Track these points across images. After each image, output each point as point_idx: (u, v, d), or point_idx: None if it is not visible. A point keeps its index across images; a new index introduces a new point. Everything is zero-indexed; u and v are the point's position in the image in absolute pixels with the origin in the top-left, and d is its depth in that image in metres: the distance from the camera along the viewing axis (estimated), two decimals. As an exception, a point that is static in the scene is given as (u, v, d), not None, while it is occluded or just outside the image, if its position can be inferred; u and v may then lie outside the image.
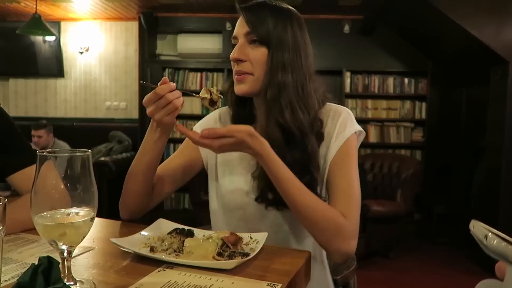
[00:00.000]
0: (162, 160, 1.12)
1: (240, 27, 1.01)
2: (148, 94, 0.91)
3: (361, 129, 1.04)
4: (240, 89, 1.02)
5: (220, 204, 1.13)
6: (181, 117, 4.86)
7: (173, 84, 0.90)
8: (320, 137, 1.02)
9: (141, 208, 1.08)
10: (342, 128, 1.02)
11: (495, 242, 0.33)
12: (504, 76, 3.43)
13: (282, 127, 0.97)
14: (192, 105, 4.87)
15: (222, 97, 0.99)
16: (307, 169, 0.97)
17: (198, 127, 1.18)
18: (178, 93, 0.91)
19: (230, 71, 1.05)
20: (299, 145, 0.98)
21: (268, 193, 1.00)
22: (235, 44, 1.02)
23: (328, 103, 1.08)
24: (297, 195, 0.91)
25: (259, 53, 0.99)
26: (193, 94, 1.00)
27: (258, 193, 1.03)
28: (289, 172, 0.91)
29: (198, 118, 4.79)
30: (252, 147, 0.88)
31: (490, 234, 0.34)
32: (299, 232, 1.04)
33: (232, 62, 1.03)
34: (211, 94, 0.97)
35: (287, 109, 0.97)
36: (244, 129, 0.88)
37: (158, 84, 0.90)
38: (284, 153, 0.95)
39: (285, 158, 0.93)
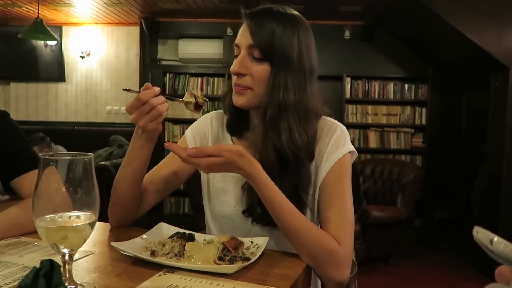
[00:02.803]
0: (153, 165, 1.10)
1: (244, 37, 0.95)
2: (131, 100, 0.88)
3: (354, 149, 1.00)
4: (238, 101, 0.98)
5: (210, 211, 1.11)
6: (180, 121, 4.89)
7: (157, 89, 0.87)
8: (310, 155, 0.97)
9: (129, 216, 1.05)
10: (335, 147, 0.97)
11: (501, 246, 0.33)
12: (505, 82, 3.43)
13: (278, 150, 0.92)
14: (179, 109, 4.87)
15: (207, 100, 0.97)
16: (297, 194, 0.94)
17: (190, 131, 1.14)
18: (162, 98, 0.88)
19: (231, 76, 1.01)
20: (293, 170, 0.94)
21: (256, 207, 0.96)
22: (237, 52, 0.97)
23: (323, 117, 1.03)
24: (289, 219, 0.87)
25: (261, 69, 0.94)
26: (178, 99, 0.96)
27: (245, 207, 1.00)
28: (281, 194, 0.88)
29: (186, 122, 4.83)
30: (243, 167, 0.85)
31: (496, 238, 0.34)
32: (286, 251, 0.99)
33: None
34: (196, 98, 0.94)
35: (285, 132, 0.92)
36: (233, 149, 0.85)
37: (141, 89, 0.87)
38: (277, 176, 0.91)
39: (276, 181, 0.90)
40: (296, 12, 0.99)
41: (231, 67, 0.96)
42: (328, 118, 1.04)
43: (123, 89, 0.95)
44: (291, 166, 0.93)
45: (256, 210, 0.96)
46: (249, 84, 0.95)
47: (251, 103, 0.97)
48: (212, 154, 0.83)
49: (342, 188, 0.96)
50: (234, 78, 0.98)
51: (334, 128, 1.00)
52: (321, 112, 1.02)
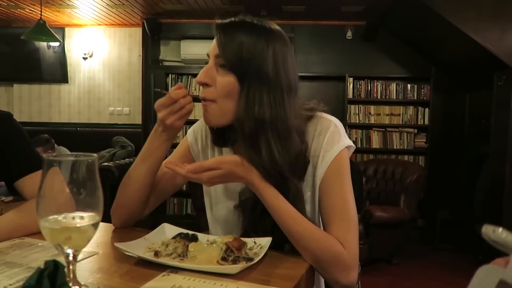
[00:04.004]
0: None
1: (213, 47, 0.92)
2: (161, 99, 0.91)
3: (351, 143, 0.96)
4: (205, 119, 0.95)
5: (212, 215, 1.11)
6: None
7: (186, 91, 0.91)
8: (297, 173, 0.93)
9: (134, 217, 1.05)
10: (330, 145, 0.93)
11: (503, 235, 0.35)
12: (508, 82, 3.43)
13: (262, 167, 0.89)
14: (194, 110, 4.90)
15: None
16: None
17: (191, 132, 1.14)
18: (189, 98, 0.92)
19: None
20: (279, 188, 0.90)
21: (251, 233, 0.95)
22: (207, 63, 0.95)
23: (316, 113, 0.99)
24: (291, 223, 0.87)
25: (226, 81, 0.90)
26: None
27: (241, 231, 0.99)
28: (282, 199, 0.88)
29: (188, 122, 4.85)
30: (243, 176, 0.87)
31: (499, 229, 0.36)
32: None
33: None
34: None
35: (265, 151, 0.88)
36: (231, 159, 0.87)
37: (171, 89, 0.91)
38: None
39: None
40: (274, 26, 0.95)
41: (197, 77, 0.94)
42: (321, 114, 1.00)
43: (155, 90, 0.98)
44: (277, 185, 0.90)
45: (251, 236, 0.94)
46: (213, 97, 0.91)
47: (218, 120, 0.94)
48: (211, 167, 0.85)
49: (342, 186, 0.93)
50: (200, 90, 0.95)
51: (327, 125, 0.96)
52: (310, 111, 0.99)
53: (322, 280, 1.05)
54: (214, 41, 0.92)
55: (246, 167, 0.87)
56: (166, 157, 1.04)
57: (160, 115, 0.91)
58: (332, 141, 0.94)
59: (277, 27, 0.95)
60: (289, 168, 0.90)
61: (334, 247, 0.87)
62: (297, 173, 0.93)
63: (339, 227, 0.90)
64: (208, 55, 0.94)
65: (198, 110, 4.90)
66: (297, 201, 0.91)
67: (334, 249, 0.86)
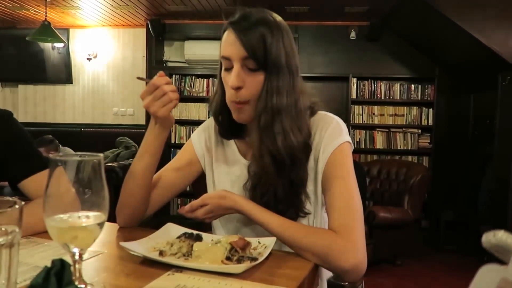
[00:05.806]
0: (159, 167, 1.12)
1: (235, 49, 0.92)
2: (145, 88, 0.94)
3: (350, 141, 0.99)
4: (241, 118, 0.98)
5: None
6: (187, 122, 4.91)
7: (169, 79, 0.94)
8: (307, 149, 0.97)
9: (137, 216, 1.06)
10: (330, 139, 0.97)
11: (504, 237, 0.36)
12: (512, 82, 3.41)
13: (274, 155, 0.93)
14: (198, 110, 4.91)
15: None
16: (295, 191, 0.96)
17: (196, 135, 1.16)
18: (173, 86, 0.94)
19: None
20: (289, 169, 0.94)
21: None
22: (227, 65, 0.95)
23: (319, 112, 1.03)
24: (281, 232, 0.90)
25: (257, 80, 0.93)
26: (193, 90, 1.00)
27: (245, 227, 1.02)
28: (267, 213, 0.93)
29: (192, 123, 4.90)
30: (229, 207, 0.94)
31: (499, 232, 0.36)
32: (288, 250, 0.99)
33: (230, 88, 0.94)
34: None
35: (280, 136, 0.92)
36: (215, 195, 0.96)
37: (155, 77, 0.93)
38: (273, 179, 0.94)
39: (272, 184, 0.94)
40: (275, 15, 0.97)
41: (230, 82, 0.93)
42: (324, 112, 1.04)
43: (137, 78, 1.02)
44: (288, 167, 0.94)
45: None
46: (247, 98, 0.94)
47: (251, 117, 0.98)
48: (199, 204, 0.95)
49: (342, 175, 0.94)
50: (231, 93, 0.95)
51: (329, 121, 1.00)
52: (313, 103, 1.03)
53: (325, 282, 1.05)
54: (232, 42, 0.92)
55: (229, 199, 0.94)
56: (169, 157, 1.05)
57: (144, 102, 0.94)
58: (333, 135, 0.98)
59: (278, 16, 0.98)
60: (302, 147, 0.95)
61: (323, 237, 0.88)
62: (306, 151, 0.97)
63: (336, 214, 0.91)
64: (227, 58, 0.94)
65: (197, 110, 4.93)
66: (303, 179, 0.97)
67: (324, 239, 0.87)
